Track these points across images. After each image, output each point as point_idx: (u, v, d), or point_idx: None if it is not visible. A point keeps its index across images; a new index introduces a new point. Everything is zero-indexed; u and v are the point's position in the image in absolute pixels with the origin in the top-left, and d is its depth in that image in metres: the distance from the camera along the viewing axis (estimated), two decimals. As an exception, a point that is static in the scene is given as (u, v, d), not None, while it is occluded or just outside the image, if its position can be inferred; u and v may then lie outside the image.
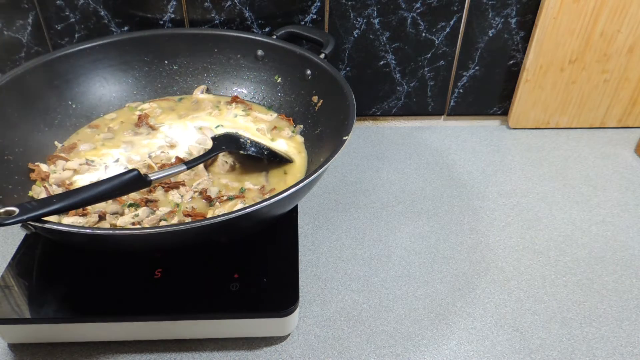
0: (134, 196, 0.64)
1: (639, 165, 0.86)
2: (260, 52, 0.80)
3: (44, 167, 0.68)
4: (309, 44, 0.82)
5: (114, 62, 0.79)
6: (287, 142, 0.75)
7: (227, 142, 0.69)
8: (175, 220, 0.61)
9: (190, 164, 0.63)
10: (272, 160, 0.70)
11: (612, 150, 0.89)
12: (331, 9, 0.83)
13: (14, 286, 0.59)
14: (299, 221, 0.69)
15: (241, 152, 0.68)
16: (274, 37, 0.80)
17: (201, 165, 0.68)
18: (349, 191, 0.80)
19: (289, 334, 0.60)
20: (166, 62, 0.82)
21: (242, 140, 0.70)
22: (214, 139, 0.69)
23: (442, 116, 0.96)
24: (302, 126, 0.76)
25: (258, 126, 0.77)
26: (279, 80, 0.80)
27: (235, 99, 0.81)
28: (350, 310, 0.63)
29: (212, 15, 0.83)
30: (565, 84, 0.88)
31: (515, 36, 0.86)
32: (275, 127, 0.77)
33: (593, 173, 0.85)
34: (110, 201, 0.62)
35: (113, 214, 0.62)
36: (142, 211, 0.61)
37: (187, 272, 0.60)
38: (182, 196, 0.65)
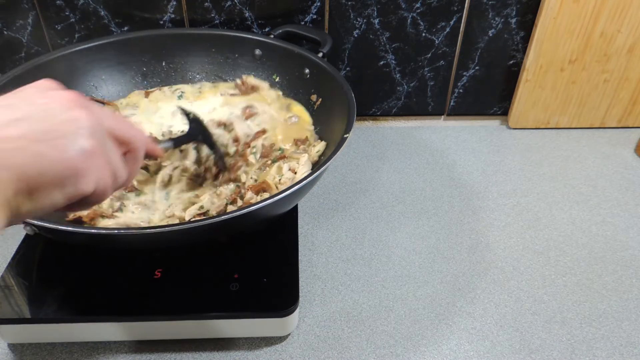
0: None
1: (639, 165, 0.86)
2: (258, 52, 0.80)
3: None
4: (308, 43, 0.82)
5: (112, 63, 0.79)
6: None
7: (202, 134, 0.66)
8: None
9: (177, 142, 0.63)
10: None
11: (612, 150, 0.89)
12: (331, 9, 0.83)
13: (14, 286, 0.59)
14: (299, 221, 0.69)
15: (207, 152, 0.66)
16: (272, 36, 0.80)
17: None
18: (349, 191, 0.80)
19: (289, 334, 0.60)
20: (163, 62, 0.82)
21: (212, 141, 0.67)
22: (191, 121, 0.66)
23: (442, 116, 0.96)
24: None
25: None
26: (277, 79, 0.80)
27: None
28: (350, 310, 0.63)
29: (212, 15, 0.83)
30: (565, 84, 0.88)
31: (515, 36, 0.86)
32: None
33: (593, 173, 0.85)
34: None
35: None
36: (206, 202, 0.62)
37: (187, 272, 0.60)
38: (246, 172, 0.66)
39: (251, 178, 0.66)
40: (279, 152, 0.70)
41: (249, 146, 0.70)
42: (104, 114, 0.36)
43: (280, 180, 0.66)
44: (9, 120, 0.30)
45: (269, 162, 0.68)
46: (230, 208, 0.62)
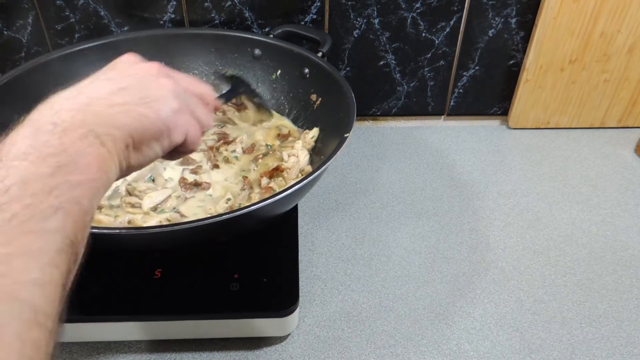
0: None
1: (639, 165, 0.86)
2: (257, 52, 0.80)
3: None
4: (308, 43, 0.82)
5: (111, 63, 0.79)
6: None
7: (244, 86, 0.72)
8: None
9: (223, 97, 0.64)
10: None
11: (612, 150, 0.89)
12: (331, 9, 0.83)
13: (14, 286, 0.58)
14: (299, 221, 0.69)
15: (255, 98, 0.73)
16: (271, 36, 0.80)
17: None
18: (349, 191, 0.80)
19: (289, 334, 0.60)
20: (163, 62, 0.81)
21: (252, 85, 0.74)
22: (231, 77, 0.72)
23: (442, 116, 0.96)
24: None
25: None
26: (276, 79, 0.80)
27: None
28: (350, 310, 0.63)
29: (212, 15, 0.83)
30: (565, 84, 0.88)
31: (515, 36, 0.86)
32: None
33: (593, 173, 0.85)
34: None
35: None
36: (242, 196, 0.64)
37: (187, 272, 0.60)
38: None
39: (253, 170, 0.69)
40: (267, 147, 0.73)
41: (217, 150, 0.73)
42: (180, 77, 0.45)
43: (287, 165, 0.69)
44: (113, 90, 0.39)
45: (260, 156, 0.71)
46: (254, 196, 0.65)
